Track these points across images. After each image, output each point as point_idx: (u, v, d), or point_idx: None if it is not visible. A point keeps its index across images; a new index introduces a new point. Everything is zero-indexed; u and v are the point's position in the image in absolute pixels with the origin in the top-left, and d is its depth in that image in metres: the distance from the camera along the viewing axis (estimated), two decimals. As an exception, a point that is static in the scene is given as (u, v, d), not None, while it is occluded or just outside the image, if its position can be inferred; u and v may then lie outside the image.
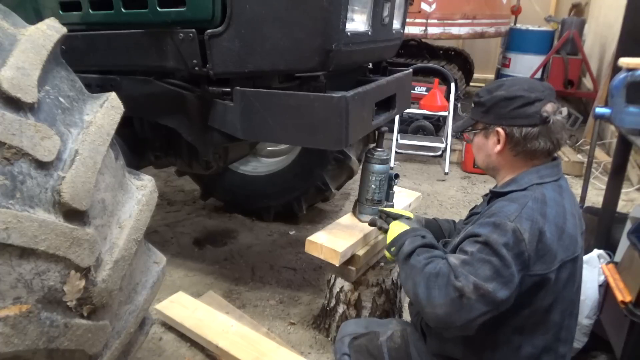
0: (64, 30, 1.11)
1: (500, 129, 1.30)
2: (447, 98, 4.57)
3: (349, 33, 1.54)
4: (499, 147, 1.32)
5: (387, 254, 1.54)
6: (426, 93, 4.73)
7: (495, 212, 1.23)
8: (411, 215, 1.66)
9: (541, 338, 1.28)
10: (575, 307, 1.35)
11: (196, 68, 1.61)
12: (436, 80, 4.68)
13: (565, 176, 1.38)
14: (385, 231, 1.65)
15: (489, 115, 1.33)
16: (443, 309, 1.17)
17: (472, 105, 1.41)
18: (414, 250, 1.36)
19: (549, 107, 1.26)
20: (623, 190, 2.66)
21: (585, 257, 1.95)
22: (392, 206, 2.03)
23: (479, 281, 1.15)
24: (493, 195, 1.38)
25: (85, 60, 1.78)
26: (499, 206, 1.25)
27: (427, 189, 4.00)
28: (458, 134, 5.00)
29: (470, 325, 1.17)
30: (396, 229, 1.51)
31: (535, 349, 1.28)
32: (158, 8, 1.57)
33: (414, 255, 1.35)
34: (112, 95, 1.19)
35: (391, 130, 4.43)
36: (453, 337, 1.34)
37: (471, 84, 6.99)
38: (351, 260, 1.94)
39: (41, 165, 0.96)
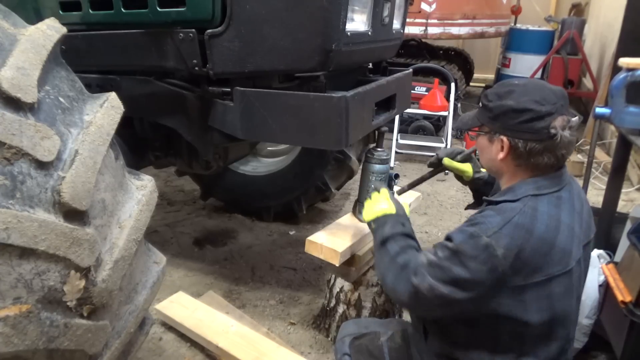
0: (64, 30, 1.11)
1: (504, 139, 1.27)
2: (447, 98, 4.57)
3: (349, 33, 1.54)
4: (501, 155, 1.29)
5: (365, 218, 1.57)
6: (426, 93, 4.73)
7: (478, 222, 1.22)
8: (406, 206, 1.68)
9: (544, 349, 1.26)
10: (575, 315, 1.32)
11: (196, 68, 1.61)
12: (436, 80, 4.68)
13: (573, 182, 1.34)
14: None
15: (495, 123, 1.29)
16: (405, 299, 1.28)
17: (480, 104, 1.35)
18: (392, 235, 1.42)
19: (558, 122, 1.20)
20: (623, 190, 2.66)
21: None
22: None
23: (436, 283, 1.19)
24: (488, 204, 1.35)
25: (85, 60, 1.78)
26: (484, 215, 1.24)
27: (427, 189, 3.99)
28: (459, 134, 5.00)
29: (432, 315, 1.28)
30: (380, 201, 1.57)
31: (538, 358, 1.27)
32: (158, 8, 1.57)
33: (390, 240, 1.41)
34: (112, 95, 1.19)
35: (391, 130, 4.43)
36: (454, 338, 1.34)
37: (471, 84, 6.99)
38: (351, 260, 1.94)
39: (41, 165, 0.96)
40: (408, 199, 2.32)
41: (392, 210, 1.52)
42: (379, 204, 1.56)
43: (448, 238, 1.24)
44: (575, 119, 1.25)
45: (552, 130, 1.20)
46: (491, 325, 1.25)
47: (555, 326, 1.25)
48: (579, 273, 1.28)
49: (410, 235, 1.44)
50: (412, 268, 1.27)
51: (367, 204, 1.60)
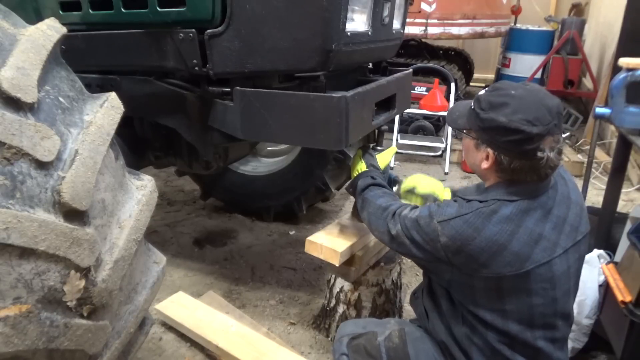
0: (64, 30, 1.11)
1: (490, 152, 1.27)
2: (447, 98, 4.57)
3: (349, 33, 1.54)
4: (485, 165, 1.30)
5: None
6: (426, 93, 4.72)
7: (441, 206, 1.33)
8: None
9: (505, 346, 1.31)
10: (554, 318, 1.32)
11: (196, 68, 1.61)
12: (436, 80, 4.68)
13: (560, 185, 1.33)
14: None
15: (484, 134, 1.28)
16: (385, 238, 1.49)
17: (472, 105, 1.33)
18: (366, 186, 1.68)
19: (547, 144, 1.19)
20: (623, 190, 2.66)
21: (585, 257, 1.95)
22: None
23: (402, 233, 1.39)
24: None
25: (85, 60, 1.78)
26: (450, 202, 1.33)
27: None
28: (459, 134, 4.99)
29: (411, 259, 1.46)
30: (355, 164, 1.85)
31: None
32: (158, 8, 1.57)
33: (367, 190, 1.66)
34: (112, 95, 1.19)
35: (391, 130, 4.43)
36: (455, 323, 1.38)
37: (471, 84, 6.99)
38: (351, 260, 1.94)
39: (41, 165, 0.96)
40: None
41: (363, 168, 1.79)
42: (354, 167, 1.84)
43: (423, 207, 1.41)
44: (564, 136, 1.26)
45: (539, 153, 1.19)
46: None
47: (514, 323, 1.27)
48: (544, 272, 1.26)
49: (381, 184, 1.68)
50: (390, 211, 1.47)
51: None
